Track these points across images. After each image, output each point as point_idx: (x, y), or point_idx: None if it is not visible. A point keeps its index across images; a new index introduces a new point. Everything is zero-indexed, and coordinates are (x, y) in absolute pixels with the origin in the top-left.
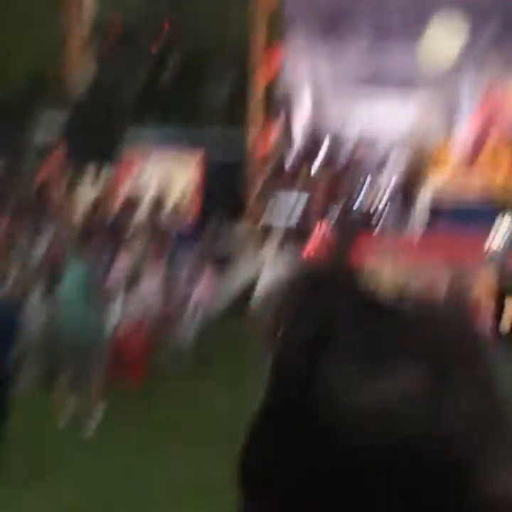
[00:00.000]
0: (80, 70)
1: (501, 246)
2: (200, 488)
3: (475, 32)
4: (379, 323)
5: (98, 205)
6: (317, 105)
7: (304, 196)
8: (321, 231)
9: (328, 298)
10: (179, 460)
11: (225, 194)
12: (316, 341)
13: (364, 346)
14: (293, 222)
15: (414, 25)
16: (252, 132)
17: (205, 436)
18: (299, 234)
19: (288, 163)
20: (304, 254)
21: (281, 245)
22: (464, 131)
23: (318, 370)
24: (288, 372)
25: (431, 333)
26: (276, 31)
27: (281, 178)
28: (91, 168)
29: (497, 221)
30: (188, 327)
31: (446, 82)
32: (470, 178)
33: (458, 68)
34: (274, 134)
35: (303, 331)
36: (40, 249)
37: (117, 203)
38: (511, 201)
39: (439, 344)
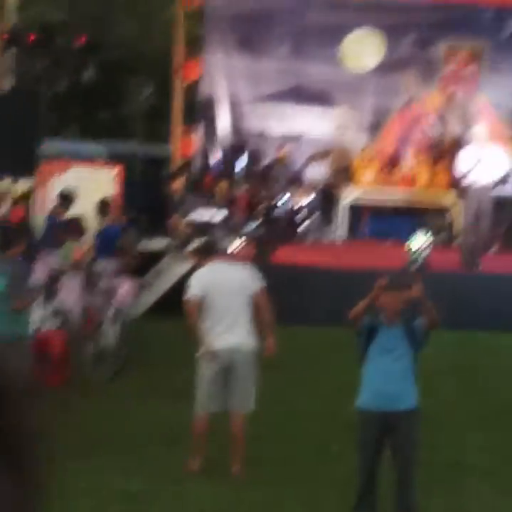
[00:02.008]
0: None
1: (420, 253)
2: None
3: (390, 49)
4: None
5: (17, 212)
6: (236, 120)
7: (223, 211)
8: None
9: None
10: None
11: (144, 207)
12: None
13: None
14: (212, 236)
15: (330, 43)
16: (172, 146)
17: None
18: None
19: (207, 178)
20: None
21: (200, 257)
22: (382, 143)
23: None
24: None
25: None
26: (196, 46)
27: (199, 194)
28: (7, 179)
29: (416, 227)
30: (110, 331)
31: (363, 97)
32: (390, 187)
33: (376, 82)
34: (194, 148)
35: None
36: None
37: (36, 210)
38: (429, 210)
39: None
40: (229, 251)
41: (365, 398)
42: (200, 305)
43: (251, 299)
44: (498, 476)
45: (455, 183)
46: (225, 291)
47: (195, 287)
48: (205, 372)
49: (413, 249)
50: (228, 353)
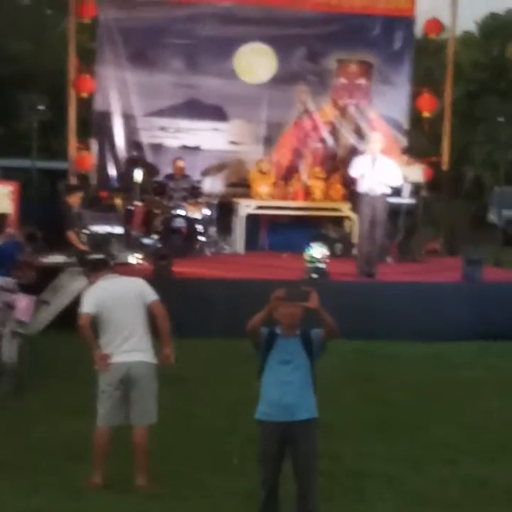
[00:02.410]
0: None
1: (317, 263)
2: None
3: (282, 62)
4: None
5: None
6: (131, 133)
7: (120, 228)
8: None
9: None
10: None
11: (41, 223)
12: None
13: None
14: (109, 250)
15: (223, 56)
16: (68, 161)
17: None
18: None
19: (103, 193)
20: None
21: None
22: (278, 156)
23: None
24: None
25: None
26: (89, 60)
27: (96, 209)
28: None
29: (313, 238)
30: (9, 347)
31: (257, 110)
32: (285, 200)
33: (270, 95)
34: (90, 163)
35: None
36: None
37: None
38: (326, 221)
39: None
40: (126, 265)
41: (264, 409)
42: (95, 320)
43: (147, 311)
44: (400, 484)
45: (350, 194)
46: (121, 305)
47: (88, 303)
48: (104, 387)
49: (310, 260)
50: (126, 367)
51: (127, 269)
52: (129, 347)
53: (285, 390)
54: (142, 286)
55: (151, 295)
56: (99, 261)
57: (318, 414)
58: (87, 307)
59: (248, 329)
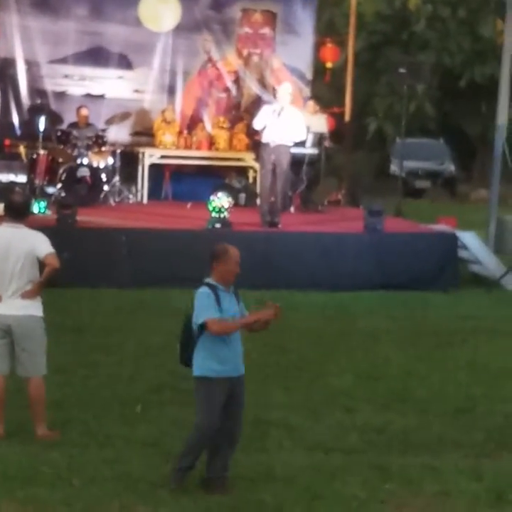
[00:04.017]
0: None
1: (221, 213)
2: None
3: (187, 11)
4: None
5: None
6: (35, 81)
7: (23, 177)
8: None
9: None
10: None
11: None
12: None
13: None
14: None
15: (128, 4)
16: None
17: None
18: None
19: (6, 141)
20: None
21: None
22: (182, 105)
23: None
24: None
25: None
26: None
27: (0, 155)
28: None
29: (217, 188)
30: None
31: (161, 59)
32: (189, 149)
33: (174, 43)
34: None
35: None
36: None
37: None
38: (230, 171)
39: None
40: (28, 214)
41: (214, 367)
42: None
43: (37, 264)
44: (299, 432)
45: (253, 144)
46: (5, 258)
47: None
48: None
49: (214, 210)
50: (8, 320)
51: (30, 219)
52: (12, 300)
53: (234, 346)
54: (38, 240)
55: (45, 249)
56: (5, 208)
57: None
58: None
59: (220, 332)
